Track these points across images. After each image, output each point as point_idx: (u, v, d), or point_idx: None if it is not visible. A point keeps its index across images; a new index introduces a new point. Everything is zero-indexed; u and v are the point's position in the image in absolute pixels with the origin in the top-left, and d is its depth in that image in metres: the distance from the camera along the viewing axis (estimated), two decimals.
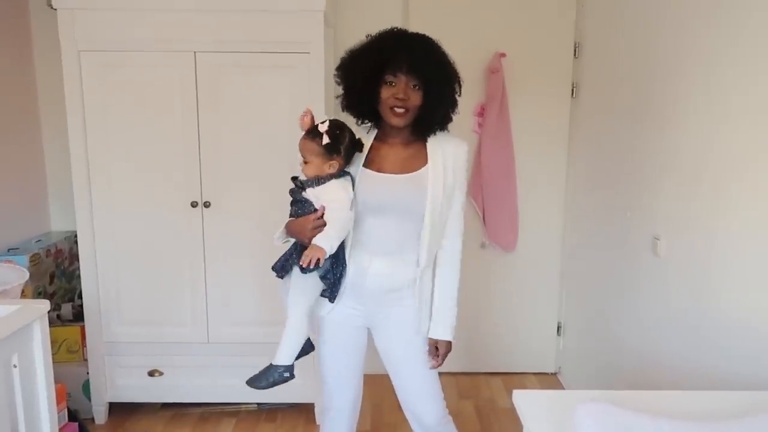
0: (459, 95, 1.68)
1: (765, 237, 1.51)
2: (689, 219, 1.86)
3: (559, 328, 3.17)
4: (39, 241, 2.79)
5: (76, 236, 2.56)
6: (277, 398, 2.70)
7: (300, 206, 1.67)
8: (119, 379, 2.63)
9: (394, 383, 1.83)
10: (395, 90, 1.59)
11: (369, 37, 1.67)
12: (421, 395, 1.79)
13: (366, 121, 1.72)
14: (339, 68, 1.69)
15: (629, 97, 2.34)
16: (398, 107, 1.60)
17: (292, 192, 1.69)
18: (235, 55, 2.41)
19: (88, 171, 2.46)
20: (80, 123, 2.42)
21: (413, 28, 1.72)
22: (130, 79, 2.42)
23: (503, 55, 2.87)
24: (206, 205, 2.50)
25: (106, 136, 2.45)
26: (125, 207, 2.50)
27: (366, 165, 1.67)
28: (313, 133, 1.62)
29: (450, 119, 1.70)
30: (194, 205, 2.49)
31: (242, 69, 2.42)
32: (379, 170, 1.67)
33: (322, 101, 2.43)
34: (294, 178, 1.69)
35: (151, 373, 2.63)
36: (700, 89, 1.81)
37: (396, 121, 1.62)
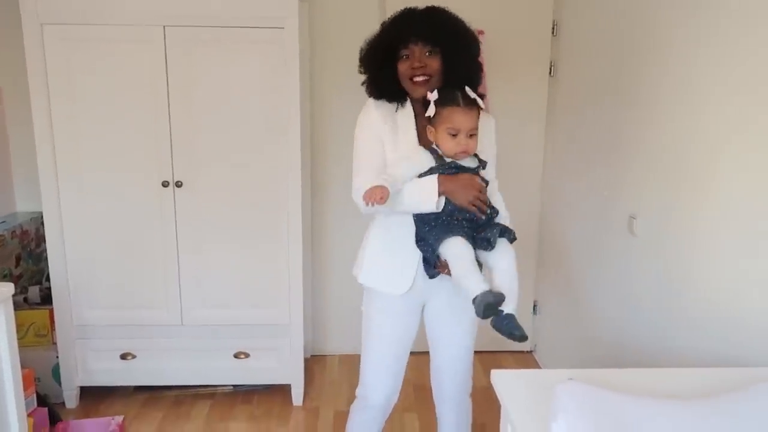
0: (478, 54, 1.67)
1: (737, 216, 1.52)
2: (665, 198, 1.87)
3: (534, 306, 3.19)
4: (3, 222, 2.70)
5: (42, 217, 2.48)
6: (253, 380, 2.68)
7: None
8: (90, 363, 2.58)
9: (435, 348, 1.84)
10: (411, 61, 1.60)
11: (383, 24, 1.69)
12: (456, 359, 1.82)
13: (395, 102, 1.68)
14: (360, 59, 1.70)
15: (606, 76, 2.33)
16: (417, 76, 1.60)
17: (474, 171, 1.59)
18: (206, 30, 2.33)
19: (54, 150, 2.38)
20: (44, 100, 2.33)
21: (390, 7, 1.68)
22: (96, 54, 2.33)
23: (481, 32, 2.82)
24: (178, 184, 2.43)
25: (71, 113, 2.36)
26: (94, 187, 2.42)
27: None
28: (466, 101, 1.53)
29: (479, 80, 1.67)
30: (165, 184, 2.43)
31: (214, 44, 2.35)
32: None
33: (297, 77, 2.37)
34: (474, 169, 1.60)
35: (123, 357, 2.58)
36: (677, 69, 1.81)
37: (420, 91, 1.61)
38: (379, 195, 1.47)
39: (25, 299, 2.62)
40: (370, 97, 1.70)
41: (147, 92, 2.36)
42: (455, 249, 1.52)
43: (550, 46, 2.91)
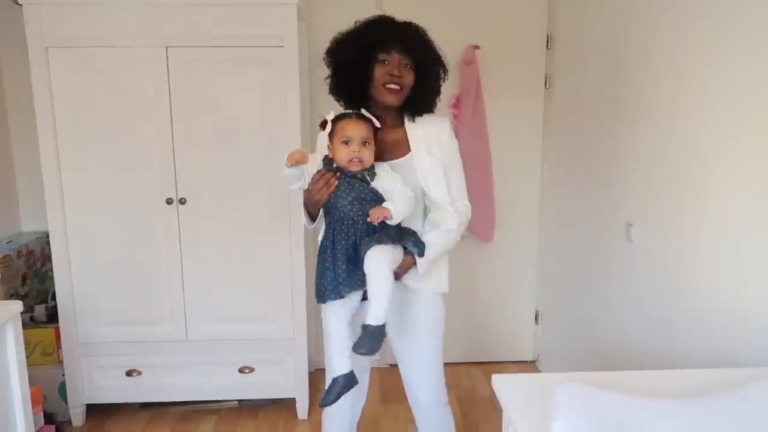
0: (444, 81, 1.72)
1: (732, 221, 1.55)
2: (661, 205, 1.90)
3: (536, 316, 3.21)
4: (10, 242, 2.73)
5: (48, 236, 2.51)
6: (258, 394, 2.69)
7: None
8: (96, 380, 2.60)
9: (400, 363, 1.84)
10: (389, 67, 1.63)
11: (357, 23, 1.69)
12: (422, 373, 1.80)
13: (353, 105, 1.70)
14: (329, 51, 1.71)
15: (601, 87, 2.37)
16: (393, 84, 1.63)
17: (360, 186, 1.61)
18: (207, 50, 2.38)
19: (59, 170, 2.42)
20: (49, 121, 2.38)
21: None
22: (100, 76, 2.38)
23: (477, 47, 2.88)
24: (182, 201, 2.47)
25: (76, 133, 2.40)
26: (98, 205, 2.46)
27: None
28: (358, 117, 1.61)
29: (435, 105, 1.73)
30: (169, 201, 2.46)
31: (215, 63, 2.39)
32: None
33: (297, 94, 2.42)
34: (360, 175, 1.61)
35: (129, 373, 2.59)
36: (672, 79, 1.85)
37: (390, 99, 1.64)
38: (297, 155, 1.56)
39: (32, 318, 2.65)
40: (330, 93, 1.73)
41: (150, 111, 2.41)
42: (331, 326, 1.64)
43: (544, 59, 2.96)
